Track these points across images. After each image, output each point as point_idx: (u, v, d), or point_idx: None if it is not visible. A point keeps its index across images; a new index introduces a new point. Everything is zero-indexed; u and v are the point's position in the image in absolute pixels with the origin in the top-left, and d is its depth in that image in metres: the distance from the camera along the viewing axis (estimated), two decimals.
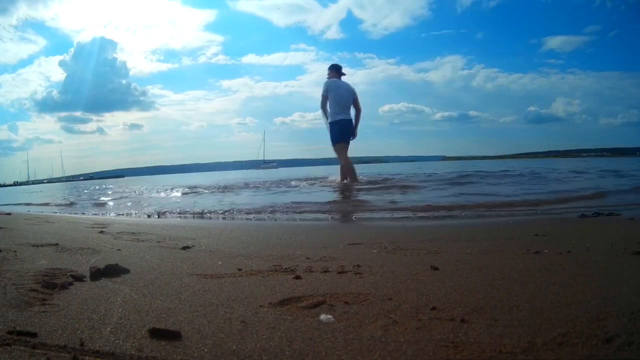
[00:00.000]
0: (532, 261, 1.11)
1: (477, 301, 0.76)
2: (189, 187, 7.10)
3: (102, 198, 6.10)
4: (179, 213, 3.42)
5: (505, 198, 3.46)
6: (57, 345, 0.61)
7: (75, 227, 2.25)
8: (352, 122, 5.33)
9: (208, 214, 3.26)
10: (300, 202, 3.60)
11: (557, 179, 5.78)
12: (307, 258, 1.25)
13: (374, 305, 0.76)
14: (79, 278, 0.99)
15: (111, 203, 5.13)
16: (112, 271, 1.03)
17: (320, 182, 6.21)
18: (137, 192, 7.32)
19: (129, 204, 4.84)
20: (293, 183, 6.43)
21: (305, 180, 6.77)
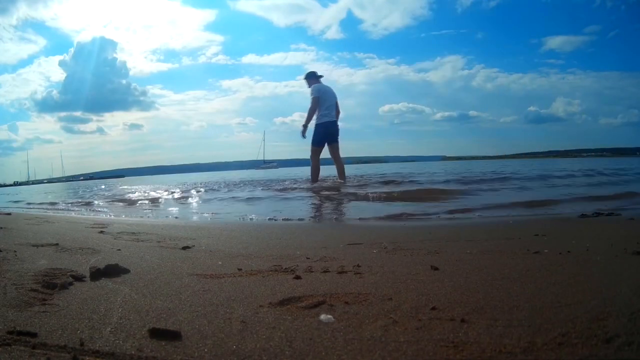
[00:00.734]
0: (532, 261, 1.11)
1: (477, 301, 0.76)
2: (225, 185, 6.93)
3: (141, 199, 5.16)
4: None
5: None
6: (57, 345, 0.61)
7: (75, 227, 2.25)
8: (336, 123, 5.49)
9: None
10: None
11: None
12: (307, 258, 1.25)
13: (374, 305, 0.76)
14: (79, 278, 0.99)
15: (174, 209, 3.95)
16: (112, 271, 1.03)
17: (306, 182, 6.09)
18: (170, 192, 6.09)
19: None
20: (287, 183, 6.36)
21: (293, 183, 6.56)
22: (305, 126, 5.40)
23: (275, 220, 2.75)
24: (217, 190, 6.08)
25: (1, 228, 2.02)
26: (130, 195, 6.02)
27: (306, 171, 6.86)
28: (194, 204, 4.50)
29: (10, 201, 7.03)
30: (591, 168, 8.98)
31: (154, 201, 4.89)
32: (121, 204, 4.78)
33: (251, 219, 2.92)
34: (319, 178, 5.68)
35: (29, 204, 5.93)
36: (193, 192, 5.99)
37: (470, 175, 6.73)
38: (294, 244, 1.59)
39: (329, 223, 2.61)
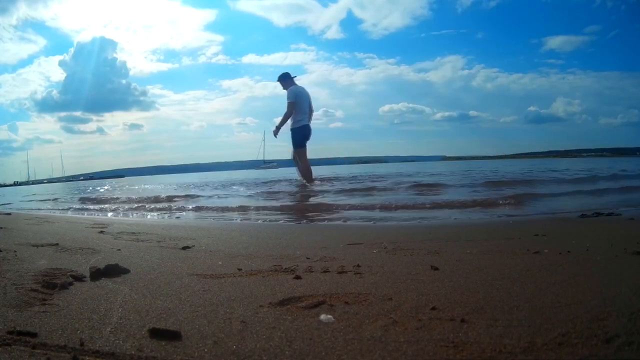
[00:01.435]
0: (532, 261, 1.11)
1: (477, 301, 0.76)
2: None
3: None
4: None
5: None
6: (57, 345, 0.61)
7: (75, 227, 2.25)
8: (310, 127, 5.63)
9: None
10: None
11: None
12: (307, 258, 1.25)
13: (374, 305, 0.76)
14: (79, 278, 0.99)
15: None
16: (112, 271, 1.03)
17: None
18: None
19: None
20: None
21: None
22: (278, 128, 5.58)
23: (276, 221, 2.75)
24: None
25: (1, 228, 2.02)
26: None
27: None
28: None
29: (3, 203, 6.86)
30: (609, 166, 8.66)
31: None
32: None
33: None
34: (311, 178, 5.76)
35: (30, 201, 5.90)
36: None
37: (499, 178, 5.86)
38: (294, 244, 1.58)
39: (329, 223, 2.61)
